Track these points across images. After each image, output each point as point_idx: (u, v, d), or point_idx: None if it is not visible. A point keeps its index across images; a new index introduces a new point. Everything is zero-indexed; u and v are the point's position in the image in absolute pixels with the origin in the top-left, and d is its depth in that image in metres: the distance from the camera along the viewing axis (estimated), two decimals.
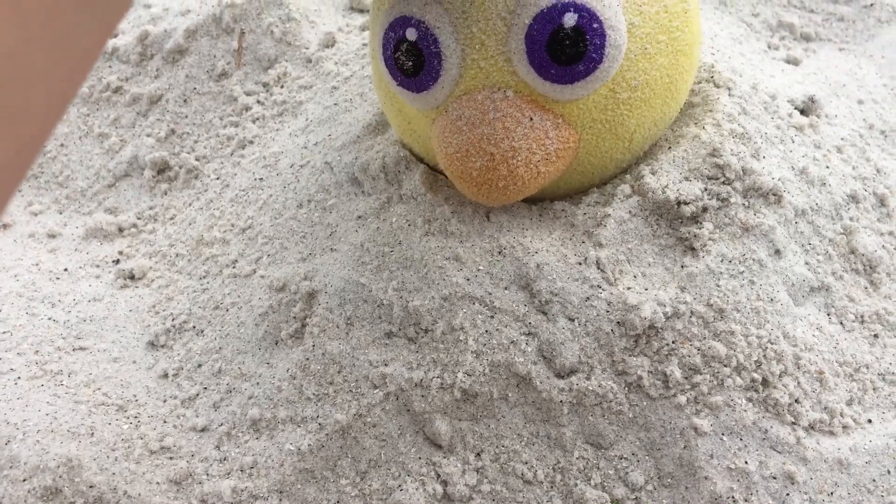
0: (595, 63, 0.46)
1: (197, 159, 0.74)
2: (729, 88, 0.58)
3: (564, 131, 0.48)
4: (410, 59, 0.48)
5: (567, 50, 0.45)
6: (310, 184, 0.61)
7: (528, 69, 0.46)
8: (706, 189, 0.52)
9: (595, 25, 0.45)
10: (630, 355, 0.49)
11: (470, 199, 0.51)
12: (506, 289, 0.50)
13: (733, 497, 0.46)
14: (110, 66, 0.81)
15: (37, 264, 0.67)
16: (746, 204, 0.52)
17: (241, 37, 0.77)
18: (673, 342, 0.48)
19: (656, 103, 0.50)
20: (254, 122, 0.73)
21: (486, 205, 0.51)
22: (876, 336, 0.53)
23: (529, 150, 0.47)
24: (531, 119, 0.47)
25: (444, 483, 0.48)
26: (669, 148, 0.54)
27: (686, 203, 0.51)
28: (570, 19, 0.45)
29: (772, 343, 0.49)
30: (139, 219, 0.72)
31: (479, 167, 0.47)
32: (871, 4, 0.82)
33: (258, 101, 0.74)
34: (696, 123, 0.56)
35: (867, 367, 0.52)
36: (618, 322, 0.49)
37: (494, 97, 0.47)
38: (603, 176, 0.53)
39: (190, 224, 0.68)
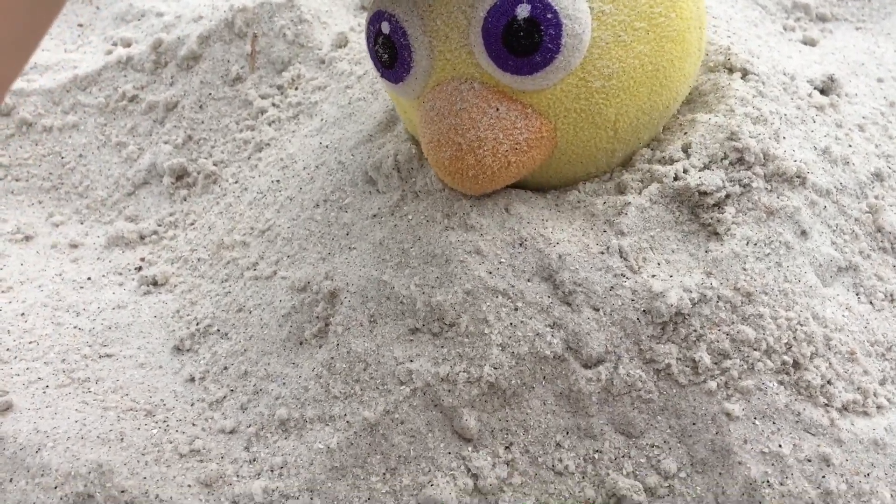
0: (552, 53, 0.46)
1: (215, 164, 0.74)
2: (746, 70, 0.58)
3: (535, 121, 0.48)
4: (386, 51, 0.50)
5: (522, 41, 0.45)
6: (326, 184, 0.61)
7: (489, 61, 0.47)
8: (728, 177, 0.51)
9: (549, 16, 0.45)
10: (657, 343, 0.48)
11: (450, 186, 0.52)
12: (529, 281, 0.49)
13: (768, 481, 0.46)
14: (125, 76, 0.81)
15: (60, 274, 0.67)
16: (769, 188, 0.52)
17: (254, 40, 0.77)
18: (701, 328, 0.48)
19: (640, 92, 0.49)
20: (269, 124, 0.73)
21: (465, 192, 0.52)
22: None
23: (496, 140, 0.48)
24: (497, 109, 0.48)
25: (475, 477, 0.48)
26: (685, 133, 0.54)
27: (708, 194, 0.51)
28: (522, 10, 0.45)
29: (801, 325, 0.48)
30: (160, 225, 0.72)
31: (449, 157, 0.48)
32: None
33: (273, 104, 0.75)
34: (709, 110, 0.55)
35: None
36: (644, 310, 0.48)
37: (462, 88, 0.48)
38: (597, 165, 0.53)
39: (210, 229, 0.68)
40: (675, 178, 0.52)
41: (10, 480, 0.49)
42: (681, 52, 0.50)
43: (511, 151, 0.48)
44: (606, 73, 0.48)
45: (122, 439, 0.51)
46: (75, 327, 0.61)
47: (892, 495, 0.46)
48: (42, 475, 0.48)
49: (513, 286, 0.49)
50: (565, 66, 0.46)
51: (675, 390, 0.48)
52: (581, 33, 0.46)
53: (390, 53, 0.50)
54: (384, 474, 0.49)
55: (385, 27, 0.49)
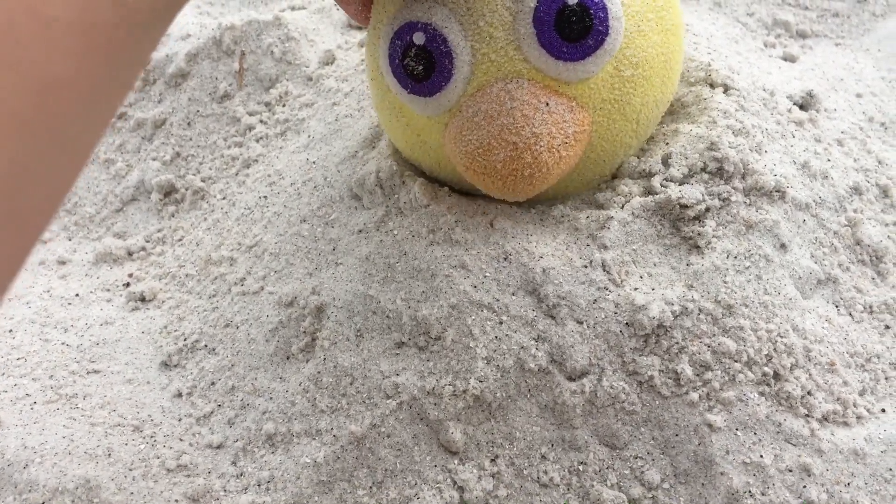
0: (602, 35, 0.47)
1: (203, 181, 0.74)
2: (726, 86, 0.59)
3: (579, 114, 0.49)
4: (420, 62, 0.49)
5: (575, 26, 0.46)
6: (312, 200, 0.61)
7: (540, 52, 0.47)
8: (707, 191, 0.52)
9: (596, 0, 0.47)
10: (640, 355, 0.49)
11: (494, 195, 0.51)
12: (513, 294, 0.50)
13: (750, 491, 0.46)
14: None
15: (48, 291, 0.68)
16: (748, 202, 0.52)
17: (241, 58, 0.78)
18: (682, 340, 0.48)
19: (656, 81, 0.51)
20: (257, 141, 0.74)
21: (511, 199, 0.52)
22: (886, 326, 0.53)
23: (550, 135, 0.48)
24: (547, 104, 0.48)
25: (461, 490, 0.48)
26: (667, 144, 0.55)
27: (688, 206, 0.52)
28: None
29: (781, 336, 0.49)
30: (148, 242, 0.72)
31: (503, 158, 0.48)
32: None
33: (261, 121, 0.75)
34: (691, 121, 0.56)
35: (878, 357, 0.52)
36: (626, 323, 0.49)
37: (509, 87, 0.48)
38: (613, 164, 0.54)
39: (198, 244, 0.68)
40: (656, 192, 0.52)
41: None
42: (678, 45, 0.53)
43: (562, 146, 0.49)
44: (634, 61, 0.49)
45: (109, 455, 0.51)
46: (63, 343, 0.61)
47: None
48: (30, 491, 0.49)
49: (497, 300, 0.50)
50: (611, 48, 0.48)
51: (657, 402, 0.48)
52: (621, 17, 0.48)
53: (426, 64, 0.49)
54: (371, 488, 0.49)
55: (419, 38, 0.48)
